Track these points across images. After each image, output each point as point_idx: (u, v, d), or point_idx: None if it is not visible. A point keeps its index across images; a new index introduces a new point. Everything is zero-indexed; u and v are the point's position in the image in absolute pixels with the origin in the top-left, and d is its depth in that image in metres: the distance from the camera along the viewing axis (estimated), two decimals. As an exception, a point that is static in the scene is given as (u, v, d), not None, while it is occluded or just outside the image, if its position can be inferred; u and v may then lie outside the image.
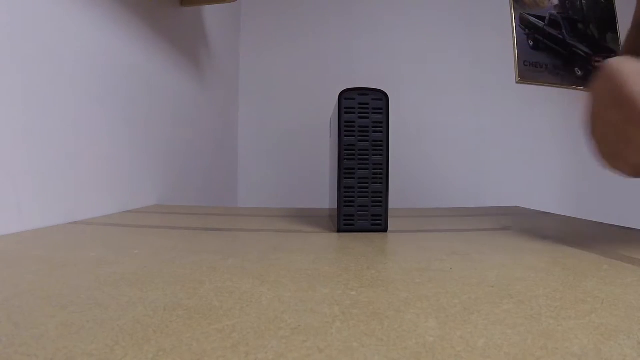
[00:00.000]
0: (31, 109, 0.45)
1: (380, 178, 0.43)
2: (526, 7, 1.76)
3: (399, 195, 1.56)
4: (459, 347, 0.15)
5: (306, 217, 0.60)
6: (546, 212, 0.71)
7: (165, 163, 0.85)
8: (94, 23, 0.57)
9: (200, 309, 0.19)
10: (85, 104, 0.55)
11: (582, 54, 1.80)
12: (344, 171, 0.43)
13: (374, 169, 0.43)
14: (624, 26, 1.87)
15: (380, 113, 0.42)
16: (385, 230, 0.44)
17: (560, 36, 1.79)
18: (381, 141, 0.43)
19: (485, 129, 1.71)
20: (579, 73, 1.80)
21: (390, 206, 0.84)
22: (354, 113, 0.42)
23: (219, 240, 0.39)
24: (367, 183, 0.43)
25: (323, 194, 1.56)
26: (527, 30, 1.75)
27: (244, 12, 1.64)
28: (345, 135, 0.42)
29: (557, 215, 0.67)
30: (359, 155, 0.43)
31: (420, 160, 1.66)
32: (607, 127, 0.32)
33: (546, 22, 1.77)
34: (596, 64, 1.81)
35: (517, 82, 1.73)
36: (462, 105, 1.69)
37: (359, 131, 0.42)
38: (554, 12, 1.79)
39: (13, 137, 0.42)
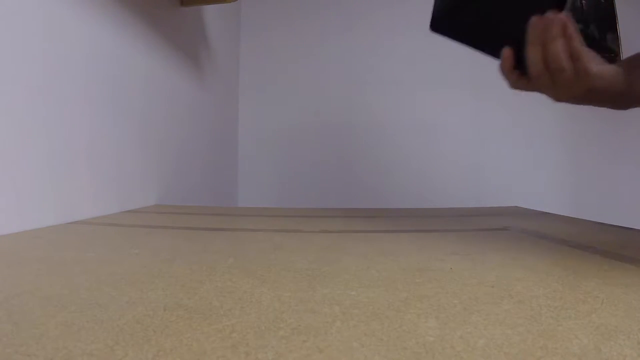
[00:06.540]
0: (31, 109, 0.44)
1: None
2: (526, 7, 1.76)
3: (399, 195, 1.56)
4: (459, 347, 0.15)
5: (306, 217, 0.60)
6: (546, 212, 0.71)
7: (165, 163, 0.85)
8: (93, 23, 0.57)
9: (200, 309, 0.19)
10: (85, 104, 0.55)
11: (582, 54, 1.80)
12: None
13: None
14: (624, 26, 1.87)
15: None
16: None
17: (560, 36, 1.78)
18: None
19: (485, 128, 1.70)
20: (579, 73, 1.79)
21: (390, 206, 0.84)
22: None
23: (219, 240, 0.39)
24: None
25: (323, 193, 1.56)
26: (527, 30, 1.75)
27: (244, 12, 1.63)
28: None
29: (557, 215, 0.67)
30: None
31: (420, 160, 1.65)
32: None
33: (546, 22, 1.77)
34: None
35: (517, 82, 1.73)
36: (462, 105, 1.69)
37: None
38: (554, 12, 1.79)
39: (13, 137, 0.42)
